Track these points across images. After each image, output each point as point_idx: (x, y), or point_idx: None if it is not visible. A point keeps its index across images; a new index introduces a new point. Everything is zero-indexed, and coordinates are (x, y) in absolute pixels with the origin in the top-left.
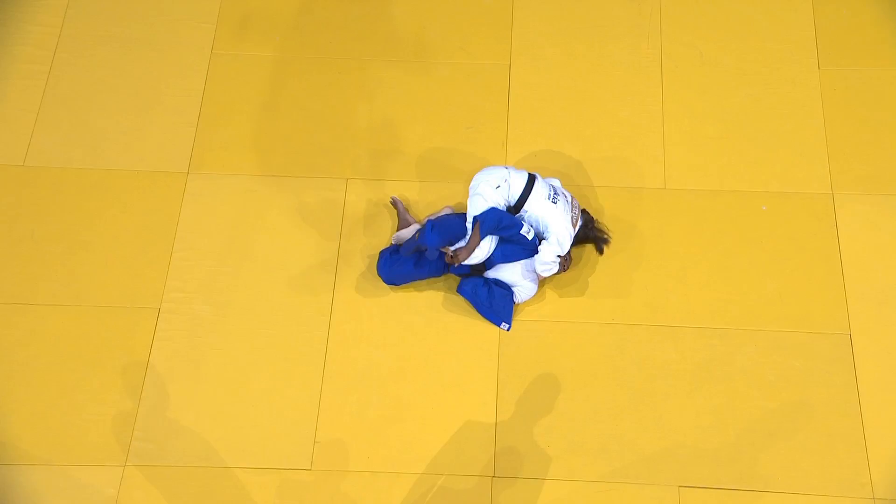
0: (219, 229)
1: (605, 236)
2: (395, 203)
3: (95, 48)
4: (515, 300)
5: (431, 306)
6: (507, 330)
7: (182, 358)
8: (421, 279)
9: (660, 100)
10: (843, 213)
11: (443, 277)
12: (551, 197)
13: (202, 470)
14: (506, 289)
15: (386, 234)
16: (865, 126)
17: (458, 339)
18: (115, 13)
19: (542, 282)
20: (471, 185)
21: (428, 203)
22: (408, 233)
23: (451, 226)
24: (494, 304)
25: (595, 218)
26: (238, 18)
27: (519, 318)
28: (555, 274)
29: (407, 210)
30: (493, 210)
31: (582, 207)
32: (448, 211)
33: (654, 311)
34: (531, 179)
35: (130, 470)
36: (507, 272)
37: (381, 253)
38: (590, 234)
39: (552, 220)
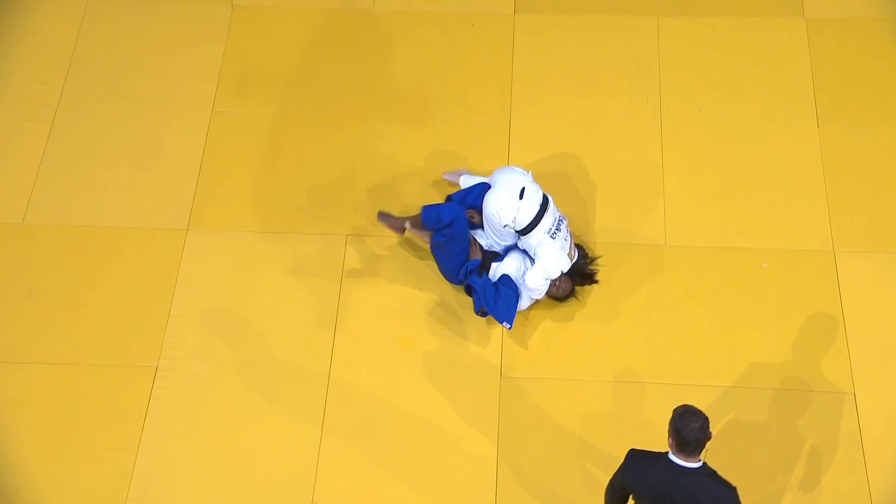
0: (217, 286)
1: (593, 274)
2: (382, 219)
3: (97, 105)
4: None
5: (431, 361)
6: (509, 329)
7: (179, 416)
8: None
9: (659, 155)
10: (844, 270)
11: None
12: (551, 232)
13: None
14: (513, 290)
15: (387, 289)
16: (866, 183)
17: (458, 397)
18: (117, 70)
19: (543, 337)
20: (489, 195)
21: (427, 255)
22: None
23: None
24: (500, 301)
25: (590, 257)
26: (239, 75)
27: (520, 375)
28: (555, 299)
29: (391, 216)
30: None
31: (577, 243)
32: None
33: (656, 368)
34: (541, 211)
35: None
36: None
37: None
38: (579, 268)
39: (543, 250)
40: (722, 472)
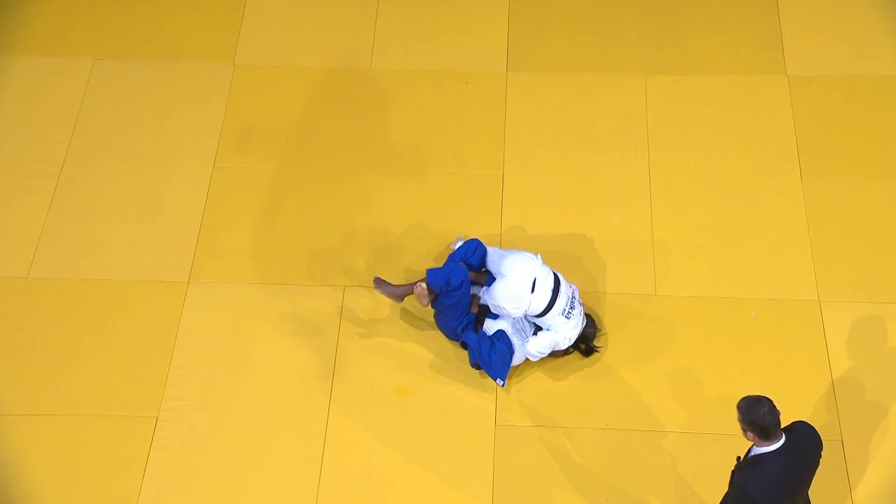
0: (217, 337)
1: (596, 348)
2: (379, 287)
3: (101, 163)
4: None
5: (428, 411)
6: (502, 386)
7: (178, 466)
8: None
9: (648, 208)
10: (830, 319)
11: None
12: (566, 312)
13: None
14: (507, 346)
15: (384, 340)
16: (849, 234)
17: (454, 445)
18: (121, 129)
19: (536, 385)
20: (496, 287)
21: (424, 310)
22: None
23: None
24: (494, 358)
25: (598, 328)
26: (240, 132)
27: (514, 423)
28: (551, 355)
29: (388, 284)
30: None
31: (587, 312)
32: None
33: (648, 416)
34: (553, 296)
35: None
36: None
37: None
38: (585, 336)
39: (559, 327)
40: None
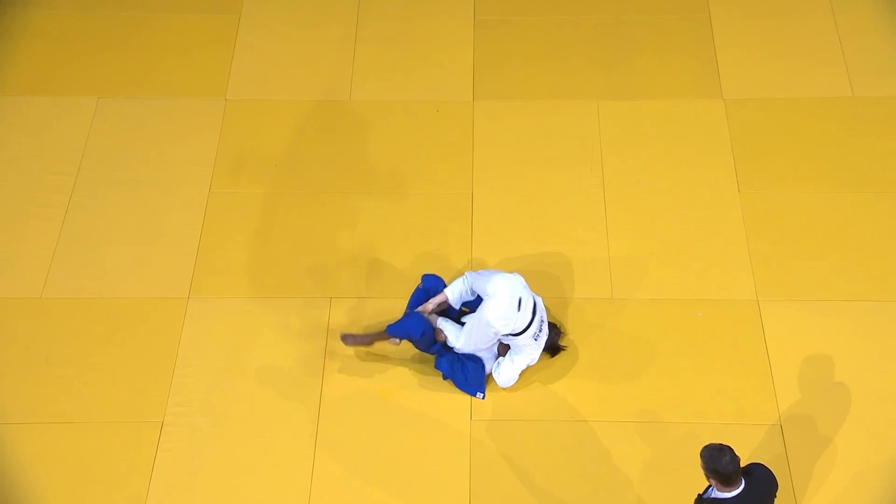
0: (216, 348)
1: (562, 347)
2: (347, 340)
3: (107, 191)
4: (486, 370)
5: (408, 410)
6: (482, 398)
7: (183, 466)
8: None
9: (604, 220)
10: (768, 316)
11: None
12: (535, 335)
13: None
14: (476, 361)
15: (367, 347)
16: (784, 240)
17: (434, 440)
18: (124, 160)
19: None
20: (487, 306)
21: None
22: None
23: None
24: (469, 377)
25: (562, 332)
26: (233, 160)
27: (486, 418)
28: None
29: (357, 335)
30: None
31: (551, 321)
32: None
33: (608, 408)
34: (532, 318)
35: None
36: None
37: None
38: (552, 343)
39: (526, 350)
40: (669, 502)
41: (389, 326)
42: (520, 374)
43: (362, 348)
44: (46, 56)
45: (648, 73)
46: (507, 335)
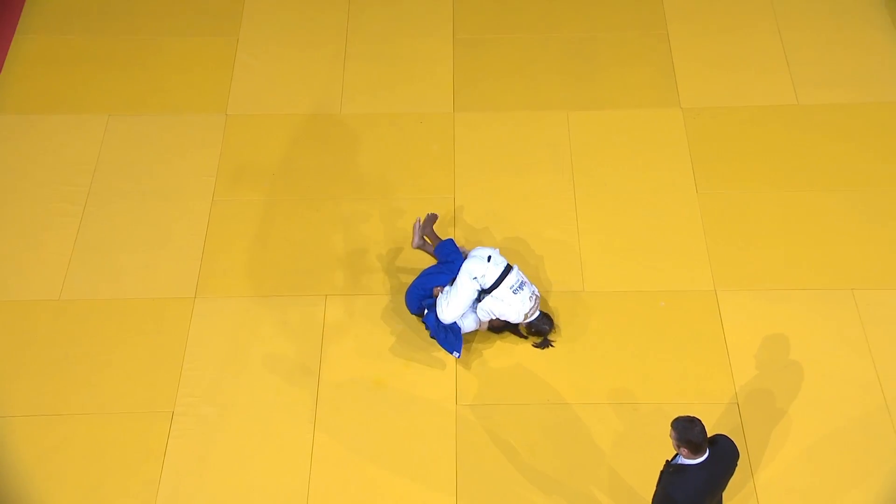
0: (221, 343)
1: (550, 343)
2: (423, 227)
3: (118, 201)
4: (464, 328)
5: (399, 396)
6: (458, 357)
7: (192, 452)
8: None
9: (575, 220)
10: (725, 305)
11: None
12: (514, 288)
13: None
14: (455, 329)
15: (360, 339)
16: (738, 235)
17: (423, 424)
18: (133, 172)
19: (489, 369)
20: (465, 261)
21: (396, 308)
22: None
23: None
24: (449, 336)
25: (554, 325)
26: (233, 171)
27: (470, 402)
28: (492, 329)
29: (425, 240)
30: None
31: (544, 311)
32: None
33: (582, 391)
34: (506, 271)
35: None
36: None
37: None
38: (536, 328)
39: (507, 299)
40: (639, 476)
41: (444, 242)
42: (505, 324)
43: (360, 339)
44: (60, 78)
45: (613, 86)
46: (488, 290)
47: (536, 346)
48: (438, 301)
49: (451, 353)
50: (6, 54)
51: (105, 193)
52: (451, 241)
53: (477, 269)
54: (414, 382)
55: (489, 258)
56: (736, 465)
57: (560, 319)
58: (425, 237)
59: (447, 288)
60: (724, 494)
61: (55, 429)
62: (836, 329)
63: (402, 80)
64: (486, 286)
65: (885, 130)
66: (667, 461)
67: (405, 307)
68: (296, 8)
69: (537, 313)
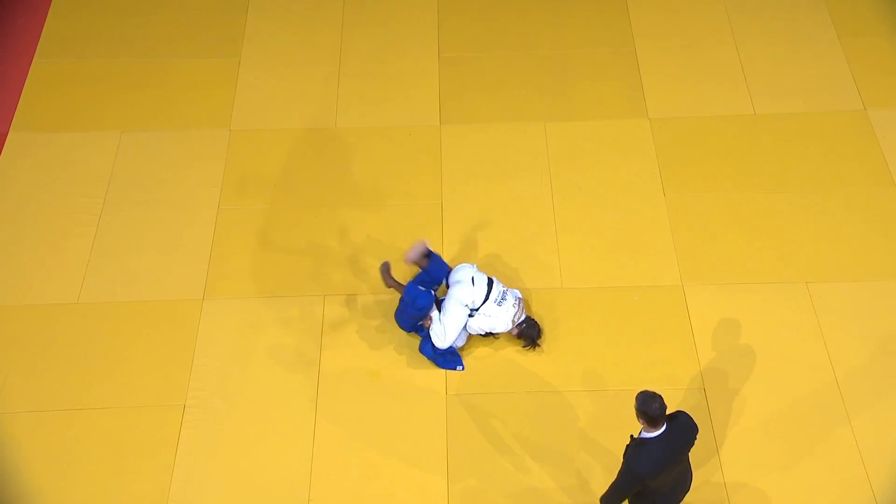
0: (228, 341)
1: (537, 342)
2: (385, 270)
3: (131, 210)
4: (457, 344)
5: (392, 387)
6: (462, 370)
7: (204, 442)
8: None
9: (553, 222)
10: (691, 298)
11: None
12: (497, 301)
13: None
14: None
15: (356, 335)
16: (703, 234)
17: (415, 413)
18: (145, 183)
19: (476, 361)
20: (451, 284)
21: (388, 305)
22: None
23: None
24: (447, 357)
25: (541, 332)
26: (238, 181)
27: (459, 392)
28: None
29: (390, 277)
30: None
31: (531, 317)
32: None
33: (562, 380)
34: (488, 291)
35: None
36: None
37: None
38: (525, 334)
39: (493, 312)
40: (616, 458)
41: (410, 285)
42: (489, 332)
43: (356, 334)
44: (76, 98)
45: (586, 98)
46: (476, 309)
47: (525, 346)
48: (432, 331)
49: (456, 369)
50: (26, 77)
51: (119, 203)
52: (412, 284)
53: (465, 296)
54: (407, 373)
55: (473, 280)
56: (695, 438)
57: (539, 315)
58: (392, 287)
59: (436, 315)
60: (693, 467)
61: (77, 422)
62: (792, 318)
63: (392, 96)
64: (476, 307)
65: (832, 137)
66: (631, 436)
67: (397, 305)
68: (293, 30)
69: (523, 316)
